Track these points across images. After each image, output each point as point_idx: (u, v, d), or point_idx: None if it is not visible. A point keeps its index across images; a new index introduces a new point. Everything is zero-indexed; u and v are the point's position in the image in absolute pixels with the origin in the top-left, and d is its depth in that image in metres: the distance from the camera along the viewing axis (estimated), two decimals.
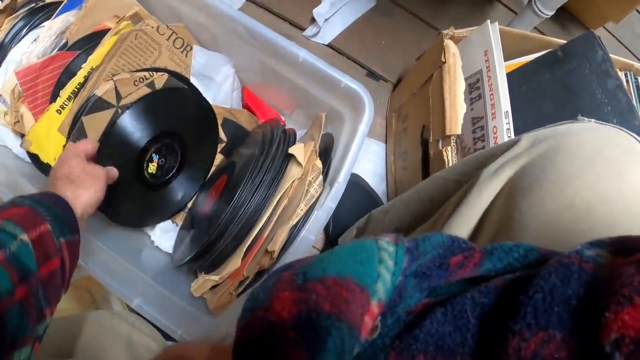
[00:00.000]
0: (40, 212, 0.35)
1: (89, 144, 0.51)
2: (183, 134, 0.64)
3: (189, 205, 0.66)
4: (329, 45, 0.93)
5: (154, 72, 0.60)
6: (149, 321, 0.51)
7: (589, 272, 0.20)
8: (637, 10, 1.23)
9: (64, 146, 0.59)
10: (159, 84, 0.61)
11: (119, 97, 0.58)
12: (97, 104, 0.56)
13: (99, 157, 0.54)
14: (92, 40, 0.62)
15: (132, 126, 0.59)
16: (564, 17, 1.13)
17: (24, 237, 0.32)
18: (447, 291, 0.26)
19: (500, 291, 0.23)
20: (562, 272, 0.20)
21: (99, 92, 0.57)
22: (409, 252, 0.24)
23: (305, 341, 0.20)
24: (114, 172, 0.53)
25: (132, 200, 0.62)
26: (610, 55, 0.61)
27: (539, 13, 0.84)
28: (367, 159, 0.85)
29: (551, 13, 0.85)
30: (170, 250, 0.66)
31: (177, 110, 0.63)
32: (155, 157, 0.62)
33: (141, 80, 0.59)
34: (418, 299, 0.24)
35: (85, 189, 0.44)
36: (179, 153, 0.64)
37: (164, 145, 0.62)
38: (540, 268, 0.22)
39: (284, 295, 0.22)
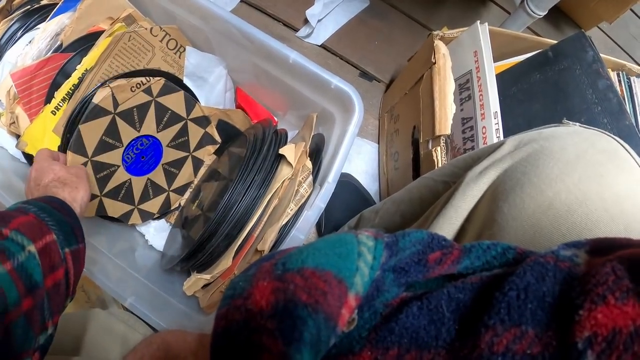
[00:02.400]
0: (46, 221, 0.35)
1: (50, 151, 0.53)
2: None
3: (182, 204, 0.66)
4: (322, 46, 0.94)
5: (151, 78, 0.60)
6: (143, 320, 0.51)
7: (565, 271, 0.20)
8: (632, 10, 1.23)
9: (59, 147, 0.60)
10: (155, 90, 0.61)
11: (115, 103, 0.58)
12: (94, 111, 0.56)
13: None
14: (86, 42, 0.62)
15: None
16: (557, 17, 1.13)
17: (32, 248, 0.31)
18: (425, 287, 0.26)
19: (476, 287, 0.23)
20: (537, 270, 0.21)
21: (96, 100, 0.56)
22: (388, 247, 0.25)
23: (281, 330, 0.20)
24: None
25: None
26: (602, 55, 0.61)
27: (531, 13, 0.85)
28: (360, 159, 0.85)
29: (543, 13, 0.85)
30: None
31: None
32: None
33: (138, 86, 0.59)
34: (396, 293, 0.24)
35: (77, 189, 0.45)
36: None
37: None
38: (517, 266, 0.22)
39: (263, 285, 0.22)
